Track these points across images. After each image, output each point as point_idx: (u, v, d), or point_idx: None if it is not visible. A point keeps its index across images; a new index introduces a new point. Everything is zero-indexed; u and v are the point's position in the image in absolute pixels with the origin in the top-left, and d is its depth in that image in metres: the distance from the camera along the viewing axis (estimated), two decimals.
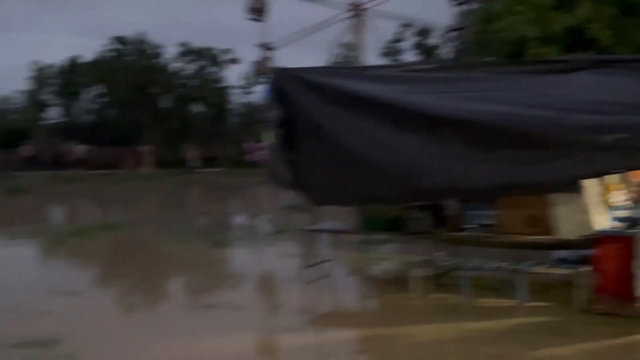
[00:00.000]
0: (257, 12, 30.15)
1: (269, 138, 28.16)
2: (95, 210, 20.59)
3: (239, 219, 18.43)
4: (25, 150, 39.23)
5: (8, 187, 25.94)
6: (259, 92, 43.90)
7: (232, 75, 45.45)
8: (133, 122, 42.00)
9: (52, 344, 6.33)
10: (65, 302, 8.10)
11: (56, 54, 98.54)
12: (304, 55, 42.12)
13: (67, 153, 40.03)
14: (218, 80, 44.34)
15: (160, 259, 11.74)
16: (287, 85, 8.19)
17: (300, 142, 8.08)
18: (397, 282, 8.74)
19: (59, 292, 8.55)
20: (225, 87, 44.70)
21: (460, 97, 7.26)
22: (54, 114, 48.14)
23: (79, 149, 40.31)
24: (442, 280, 8.31)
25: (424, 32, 40.92)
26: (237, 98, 45.64)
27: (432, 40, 40.64)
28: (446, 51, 35.00)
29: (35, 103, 47.56)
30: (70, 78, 45.85)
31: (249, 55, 52.81)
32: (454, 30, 29.99)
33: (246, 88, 45.09)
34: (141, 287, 9.58)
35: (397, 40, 41.40)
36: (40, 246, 13.11)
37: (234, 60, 44.01)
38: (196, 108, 44.75)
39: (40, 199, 23.43)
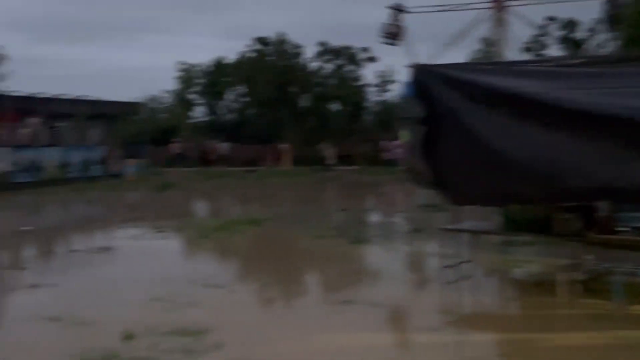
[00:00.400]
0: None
1: (406, 136, 28.10)
2: (238, 206, 21.34)
3: (376, 217, 18.45)
4: (175, 147, 41.30)
5: (158, 182, 27.45)
6: (397, 89, 43.78)
7: (369, 74, 45.58)
8: (273, 121, 43.18)
9: (200, 334, 6.61)
10: (211, 294, 8.44)
11: (201, 55, 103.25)
12: (445, 51, 41.52)
13: (211, 150, 41.82)
14: (355, 79, 44.64)
15: (300, 254, 11.99)
16: (428, 81, 8.08)
17: (442, 139, 7.95)
18: (541, 286, 8.42)
19: (205, 284, 8.92)
20: (362, 86, 44.93)
21: (613, 92, 6.88)
22: (199, 113, 50.40)
23: (223, 147, 41.98)
24: (591, 285, 7.92)
25: (570, 25, 39.21)
26: (373, 96, 45.81)
27: (579, 34, 38.89)
28: (594, 45, 33.36)
29: (182, 102, 49.98)
30: (214, 78, 47.79)
31: (385, 53, 52.65)
32: (606, 22, 28.47)
33: (382, 86, 45.17)
34: (282, 281, 9.81)
35: (542, 35, 39.94)
36: (187, 240, 13.73)
37: (371, 59, 44.14)
38: (334, 106, 45.27)
39: (187, 194, 24.59)
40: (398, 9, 29.84)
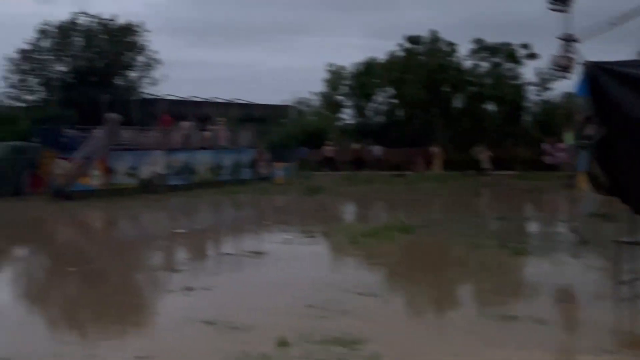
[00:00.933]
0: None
1: (570, 138, 26.80)
2: (388, 211, 21.31)
3: (538, 226, 17.79)
4: (327, 150, 42.09)
5: (307, 186, 28.03)
6: (562, 89, 42.09)
7: (529, 72, 44.08)
8: (423, 123, 42.84)
9: (356, 344, 6.62)
10: (364, 303, 8.45)
11: (352, 56, 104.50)
12: (610, 47, 39.45)
13: (362, 153, 42.20)
14: (514, 77, 43.32)
15: (454, 264, 11.76)
16: (601, 80, 7.66)
17: (618, 142, 7.51)
18: None
19: (358, 292, 8.95)
20: (521, 85, 43.49)
21: None
22: (347, 115, 50.99)
23: (375, 150, 42.17)
24: None
25: None
26: (533, 96, 44.22)
27: None
28: None
29: (330, 104, 50.76)
30: (363, 79, 48.13)
31: (546, 49, 50.69)
32: None
33: (543, 85, 43.45)
34: (438, 292, 9.66)
35: None
36: (336, 245, 13.87)
37: (531, 56, 42.68)
38: (489, 107, 44.16)
39: (336, 199, 24.89)
40: (569, 40, 28.65)
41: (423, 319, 8.31)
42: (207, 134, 32.63)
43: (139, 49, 44.99)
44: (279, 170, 33.81)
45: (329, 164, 41.34)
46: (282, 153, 36.23)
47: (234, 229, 17.53)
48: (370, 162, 40.97)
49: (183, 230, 16.58)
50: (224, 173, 32.18)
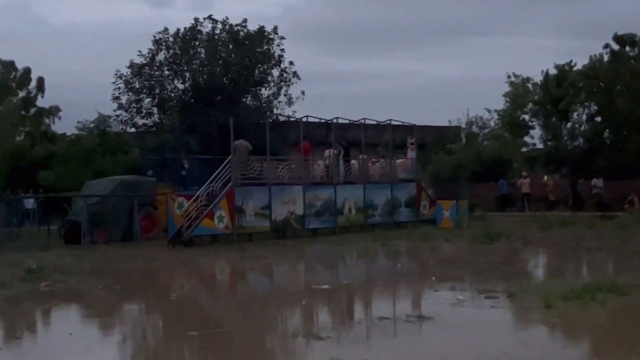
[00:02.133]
0: None
1: None
2: (593, 265, 20.59)
3: None
4: (523, 184, 41.65)
5: (483, 230, 27.58)
6: None
7: None
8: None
9: None
10: None
11: (536, 63, 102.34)
12: None
13: (550, 188, 41.36)
14: None
15: None
16: None
17: None
18: None
19: None
20: None
21: None
22: (535, 139, 50.09)
23: (596, 183, 40.94)
24: None
25: None
26: None
27: None
28: None
29: (513, 125, 49.99)
30: (556, 93, 47.14)
31: None
32: None
33: None
34: None
35: None
36: (525, 310, 13.51)
37: None
38: None
39: (524, 248, 24.34)
40: None
41: None
42: (354, 164, 33.01)
43: (273, 60, 46.12)
44: (446, 210, 33.58)
45: (525, 201, 40.97)
46: (449, 188, 36.01)
47: (389, 286, 17.53)
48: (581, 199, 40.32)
49: (326, 286, 16.75)
50: (376, 214, 32.39)
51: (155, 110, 46.05)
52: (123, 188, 28.98)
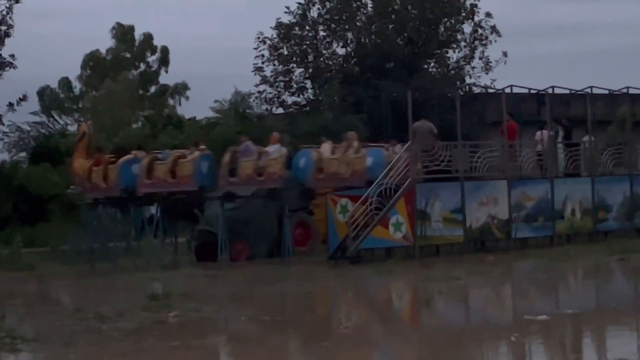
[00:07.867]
0: None
1: None
2: None
3: None
4: None
5: None
6: None
7: None
8: None
9: None
10: None
11: None
12: None
13: None
14: None
15: None
16: None
17: None
18: None
19: None
20: None
21: None
22: None
23: None
24: None
25: None
26: None
27: None
28: None
29: None
30: None
31: None
32: None
33: None
34: None
35: None
36: None
37: None
38: None
39: None
40: None
41: None
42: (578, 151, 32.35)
43: (464, 12, 45.93)
44: None
45: None
46: None
47: (630, 316, 17.11)
48: None
49: (543, 317, 16.52)
50: (609, 217, 31.68)
51: (308, 83, 46.60)
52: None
